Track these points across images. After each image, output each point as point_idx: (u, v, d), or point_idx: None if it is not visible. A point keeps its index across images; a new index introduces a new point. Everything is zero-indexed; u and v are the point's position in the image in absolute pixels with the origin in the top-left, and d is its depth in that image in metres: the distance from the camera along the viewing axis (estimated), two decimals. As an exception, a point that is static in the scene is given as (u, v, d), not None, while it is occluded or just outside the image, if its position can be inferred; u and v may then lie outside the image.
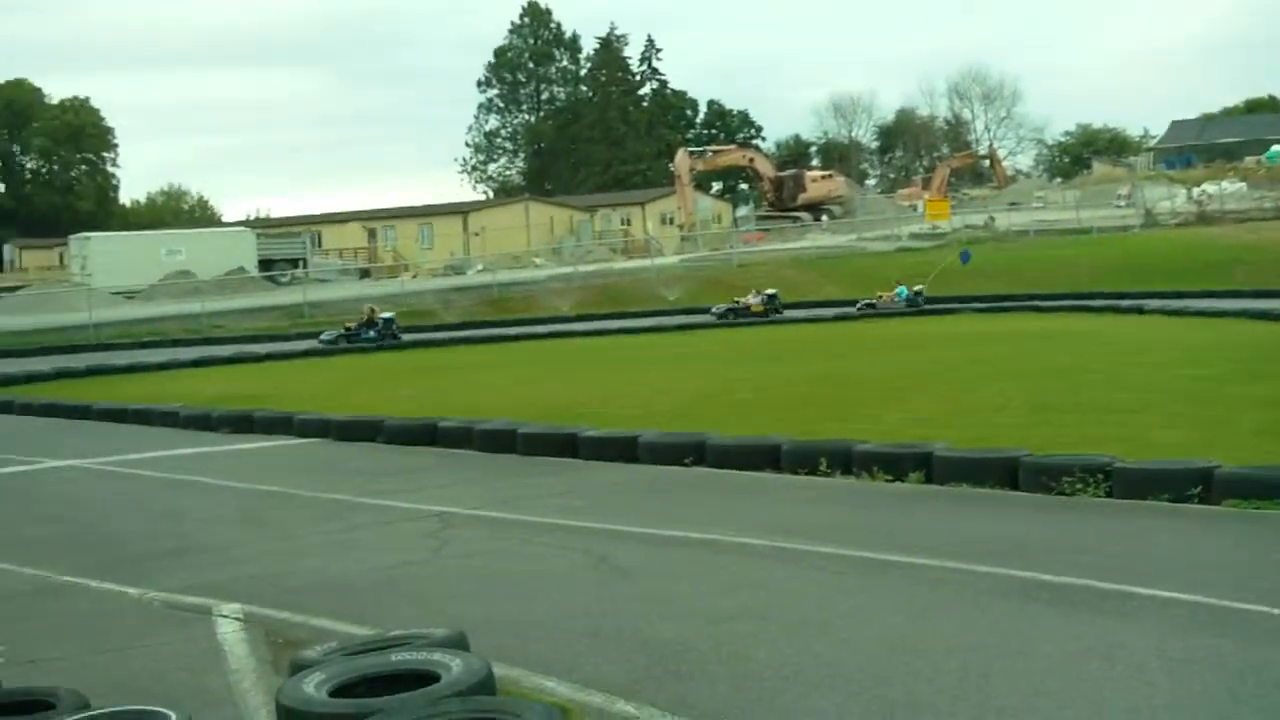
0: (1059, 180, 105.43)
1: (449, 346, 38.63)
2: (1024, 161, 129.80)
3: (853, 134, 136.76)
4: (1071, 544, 9.37)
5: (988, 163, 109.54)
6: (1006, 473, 11.47)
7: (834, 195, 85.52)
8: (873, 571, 8.70)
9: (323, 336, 39.17)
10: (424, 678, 5.89)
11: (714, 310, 43.97)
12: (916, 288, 44.37)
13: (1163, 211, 66.19)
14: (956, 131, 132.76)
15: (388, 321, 33.66)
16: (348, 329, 36.06)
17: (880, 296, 43.83)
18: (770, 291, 44.07)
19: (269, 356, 36.10)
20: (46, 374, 33.11)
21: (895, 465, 12.14)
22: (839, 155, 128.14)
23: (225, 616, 8.42)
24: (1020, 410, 16.15)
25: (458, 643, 6.62)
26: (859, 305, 43.50)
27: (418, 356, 35.47)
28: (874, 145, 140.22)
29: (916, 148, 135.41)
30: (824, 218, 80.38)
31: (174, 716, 5.80)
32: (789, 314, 42.94)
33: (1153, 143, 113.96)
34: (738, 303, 43.59)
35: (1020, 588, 8.10)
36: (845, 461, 12.52)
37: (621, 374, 25.44)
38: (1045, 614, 7.54)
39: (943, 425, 14.70)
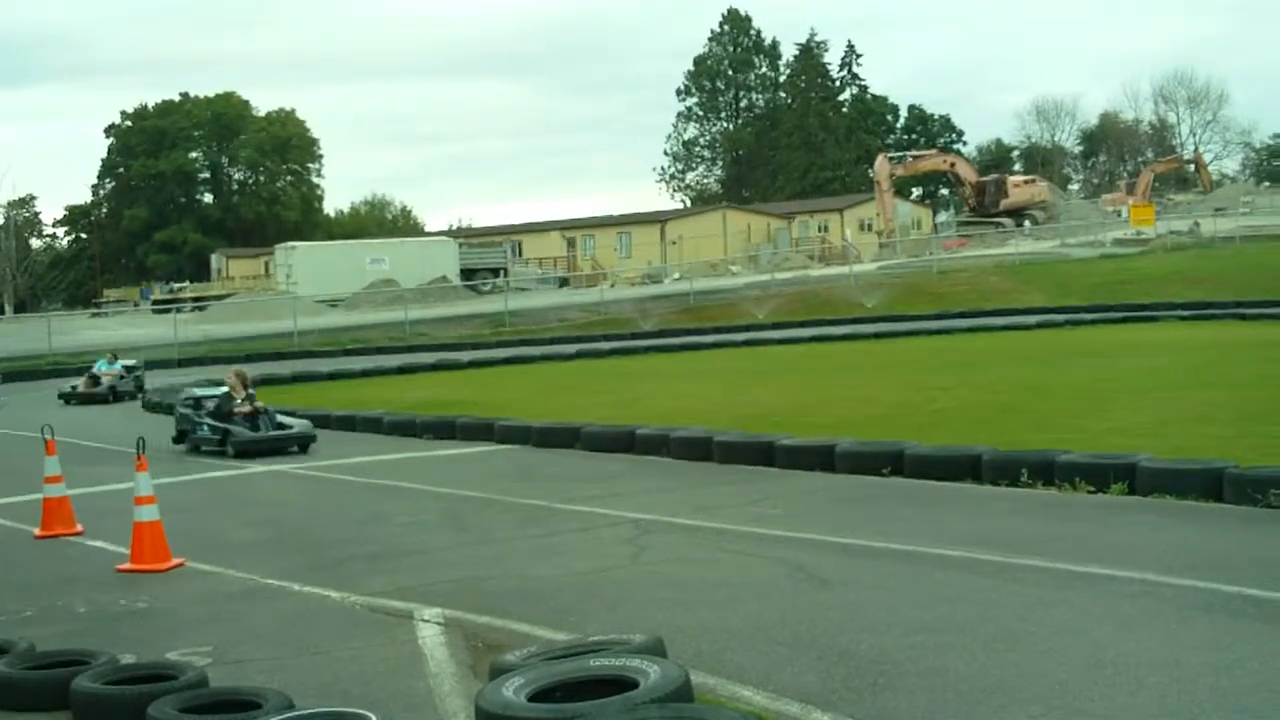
0: (1267, 184, 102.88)
1: (646, 355, 38.90)
2: (1230, 166, 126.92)
3: (1056, 138, 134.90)
4: (1279, 558, 9.14)
5: (1193, 167, 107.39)
6: (1211, 484, 11.20)
7: (1037, 200, 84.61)
8: (1074, 584, 8.55)
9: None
10: (622, 684, 5.92)
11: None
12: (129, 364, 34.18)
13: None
14: (1161, 135, 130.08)
15: None
16: None
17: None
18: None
19: (472, 364, 36.69)
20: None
21: (1099, 476, 11.89)
22: (1042, 160, 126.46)
23: (426, 620, 8.55)
24: (1226, 421, 15.75)
25: (655, 649, 6.66)
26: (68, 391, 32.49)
27: (616, 364, 35.73)
28: (1077, 150, 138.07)
29: (1120, 152, 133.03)
30: (1026, 223, 79.54)
31: (374, 719, 5.93)
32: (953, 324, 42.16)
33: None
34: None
35: (1225, 602, 7.90)
36: (1048, 472, 12.32)
37: (818, 382, 25.29)
38: (1251, 630, 7.34)
39: (1146, 436, 14.41)
